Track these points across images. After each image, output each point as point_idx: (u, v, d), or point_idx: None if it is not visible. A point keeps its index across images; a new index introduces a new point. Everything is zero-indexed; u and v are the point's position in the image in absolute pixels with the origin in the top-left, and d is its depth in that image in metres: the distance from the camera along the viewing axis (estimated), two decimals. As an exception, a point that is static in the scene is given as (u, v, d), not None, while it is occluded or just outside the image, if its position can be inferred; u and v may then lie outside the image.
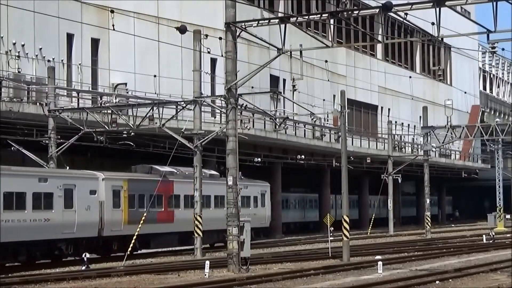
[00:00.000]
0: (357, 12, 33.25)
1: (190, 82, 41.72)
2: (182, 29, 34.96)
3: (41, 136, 40.89)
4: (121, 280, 29.02)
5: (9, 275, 30.76)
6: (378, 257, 36.44)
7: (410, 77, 77.47)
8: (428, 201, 63.22)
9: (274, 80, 62.15)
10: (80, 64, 49.18)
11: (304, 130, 64.69)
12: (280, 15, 58.60)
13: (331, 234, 40.25)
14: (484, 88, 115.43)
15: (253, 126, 53.79)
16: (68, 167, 39.76)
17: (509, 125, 55.76)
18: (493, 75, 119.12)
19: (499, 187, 78.45)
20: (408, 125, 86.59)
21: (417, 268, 32.16)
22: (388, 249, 44.61)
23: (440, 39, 44.02)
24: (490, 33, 28.58)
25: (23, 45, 45.12)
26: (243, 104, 39.93)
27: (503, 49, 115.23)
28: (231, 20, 31.02)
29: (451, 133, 58.14)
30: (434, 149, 69.36)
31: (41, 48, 46.22)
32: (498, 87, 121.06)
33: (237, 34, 31.18)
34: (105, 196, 39.24)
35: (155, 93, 46.98)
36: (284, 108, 61.51)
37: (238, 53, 31.80)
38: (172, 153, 39.64)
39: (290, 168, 66.45)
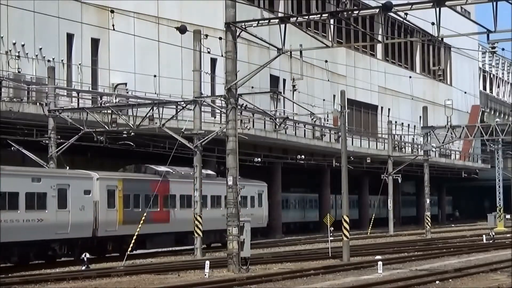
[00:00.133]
0: (357, 12, 33.25)
1: (190, 82, 41.72)
2: (182, 29, 34.97)
3: (41, 136, 40.88)
4: (121, 280, 29.02)
5: (9, 275, 30.75)
6: (378, 257, 36.44)
7: (410, 77, 77.48)
8: (428, 201, 63.23)
9: (274, 80, 62.15)
10: (80, 64, 49.17)
11: (304, 130, 64.68)
12: (280, 15, 58.60)
13: (331, 234, 40.25)
14: (484, 88, 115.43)
15: (253, 126, 53.78)
16: (68, 167, 39.67)
17: (509, 125, 55.76)
18: (493, 75, 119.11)
19: (499, 187, 78.45)
20: (408, 125, 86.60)
21: (417, 268, 32.16)
22: (388, 249, 44.61)
23: (440, 39, 44.02)
24: (490, 33, 28.58)
25: (23, 45, 45.12)
26: (243, 104, 39.92)
27: (503, 49, 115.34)
28: (231, 20, 31.02)
29: (451, 133, 58.15)
30: (434, 149, 69.37)
31: (41, 48, 46.21)
32: (498, 87, 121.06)
33: (237, 34, 31.18)
34: (99, 196, 38.86)
35: (155, 93, 46.97)
36: (284, 108, 61.50)
37: (238, 53, 31.80)
38: (172, 153, 39.65)
39: (290, 168, 66.45)
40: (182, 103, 41.46)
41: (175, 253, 44.02)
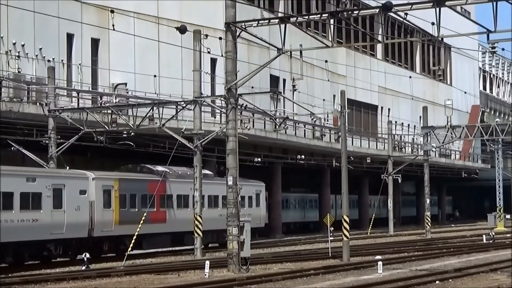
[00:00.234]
0: (357, 12, 33.25)
1: (190, 82, 41.72)
2: (182, 29, 34.96)
3: (41, 136, 40.87)
4: (121, 280, 29.02)
5: (9, 275, 30.75)
6: (378, 257, 36.44)
7: (410, 77, 77.48)
8: (428, 201, 63.23)
9: (274, 80, 62.15)
10: (80, 64, 49.17)
11: (304, 130, 64.68)
12: (280, 15, 58.59)
13: (331, 234, 40.24)
14: (484, 88, 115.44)
15: (253, 126, 53.78)
16: (68, 167, 39.66)
17: (509, 125, 55.76)
18: (493, 75, 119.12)
19: (499, 187, 78.45)
20: (408, 125, 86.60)
21: (417, 268, 32.16)
22: (388, 249, 44.61)
23: (440, 39, 44.02)
24: (490, 33, 28.58)
25: (23, 45, 45.12)
26: (243, 104, 39.92)
27: (503, 49, 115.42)
28: (231, 20, 31.02)
29: (451, 133, 58.15)
30: (434, 149, 69.38)
31: (41, 48, 46.21)
32: (498, 87, 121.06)
33: (237, 34, 31.18)
34: (95, 196, 38.58)
35: (155, 93, 46.96)
36: (284, 108, 61.52)
37: (238, 53, 31.79)
38: (172, 153, 39.64)
39: (290, 168, 66.46)
40: (182, 103, 41.45)
41: (175, 253, 44.01)
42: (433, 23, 28.33)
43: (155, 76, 49.09)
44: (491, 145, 78.66)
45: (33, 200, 34.85)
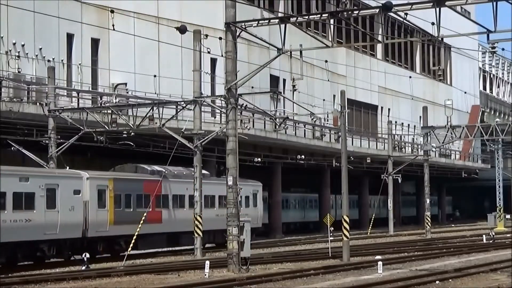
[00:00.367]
0: (357, 12, 33.25)
1: (190, 82, 41.71)
2: (182, 29, 34.95)
3: (41, 136, 40.87)
4: (121, 280, 29.02)
5: (9, 275, 30.75)
6: (378, 257, 36.45)
7: (410, 77, 77.51)
8: (428, 201, 63.23)
9: (274, 80, 62.16)
10: (80, 64, 49.17)
11: (304, 130, 64.68)
12: (280, 15, 58.60)
13: (331, 234, 40.24)
14: (484, 88, 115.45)
15: (253, 126, 53.78)
16: (68, 167, 39.62)
17: (509, 125, 55.76)
18: (493, 75, 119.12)
19: (499, 187, 78.46)
20: (408, 125, 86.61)
21: (417, 268, 32.16)
22: (388, 249, 44.61)
23: (440, 39, 44.02)
24: (490, 33, 28.58)
25: (23, 45, 45.12)
26: (243, 104, 39.92)
27: (503, 49, 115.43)
28: (231, 20, 31.02)
29: (451, 133, 58.15)
30: (434, 149, 69.41)
31: (41, 48, 46.22)
32: (498, 87, 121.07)
33: (237, 34, 31.18)
34: (89, 196, 38.16)
35: (155, 93, 46.96)
36: (284, 108, 61.54)
37: (238, 53, 31.78)
38: (172, 153, 39.63)
39: (290, 168, 66.47)
40: (182, 103, 41.45)
41: (175, 253, 43.99)
42: (433, 23, 28.34)
43: (155, 76, 49.10)
44: (491, 145, 78.70)
45: (26, 200, 34.40)
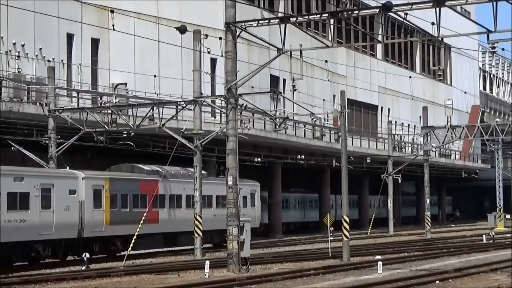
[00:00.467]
0: (357, 12, 33.26)
1: (190, 82, 41.72)
2: (182, 29, 34.96)
3: (41, 136, 40.87)
4: (121, 280, 29.02)
5: (9, 275, 30.75)
6: (378, 257, 36.45)
7: (410, 77, 77.51)
8: (428, 201, 63.24)
9: (274, 80, 62.16)
10: (80, 64, 49.18)
11: (304, 130, 64.68)
12: (280, 15, 58.60)
13: (331, 234, 40.24)
14: (484, 88, 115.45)
15: (253, 126, 53.78)
16: (68, 167, 39.58)
17: (509, 125, 55.77)
18: (493, 75, 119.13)
19: (499, 187, 78.47)
20: (408, 125, 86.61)
21: (417, 268, 32.16)
22: (388, 249, 44.61)
23: (440, 39, 44.02)
24: (490, 33, 28.58)
25: (23, 45, 45.13)
26: (243, 104, 39.92)
27: (503, 49, 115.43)
28: (231, 20, 31.02)
29: (451, 133, 58.15)
30: (434, 149, 69.42)
31: (41, 48, 46.22)
32: (498, 87, 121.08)
33: (237, 34, 31.18)
34: (85, 196, 37.84)
35: (155, 93, 46.97)
36: (284, 108, 61.54)
37: (238, 53, 31.78)
38: (172, 153, 39.62)
39: (290, 168, 66.47)
40: (182, 103, 41.45)
41: (175, 253, 43.99)
42: (433, 23, 28.34)
43: (155, 76, 49.10)
44: (491, 145, 78.70)
45: (21, 200, 34.11)
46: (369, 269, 31.79)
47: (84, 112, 41.22)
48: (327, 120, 63.31)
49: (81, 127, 40.48)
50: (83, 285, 27.73)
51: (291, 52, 35.62)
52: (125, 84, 51.00)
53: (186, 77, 47.25)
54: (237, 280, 27.23)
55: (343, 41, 69.52)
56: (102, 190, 39.19)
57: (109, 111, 41.36)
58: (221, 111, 47.03)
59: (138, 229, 38.05)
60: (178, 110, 41.73)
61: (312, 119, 60.63)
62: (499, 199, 77.71)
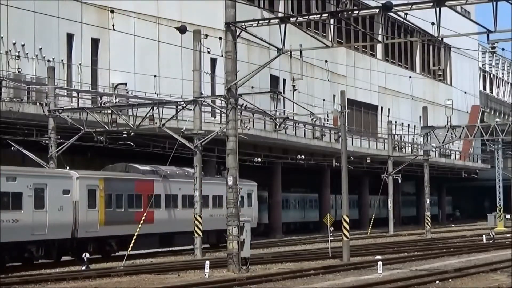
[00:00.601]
0: (357, 12, 33.26)
1: (190, 82, 41.72)
2: (182, 29, 34.96)
3: (41, 136, 40.86)
4: (121, 280, 29.03)
5: (9, 275, 30.76)
6: (378, 257, 36.45)
7: (410, 77, 77.51)
8: (428, 201, 63.24)
9: (274, 80, 62.16)
10: (80, 64, 49.18)
11: (304, 130, 64.69)
12: (280, 15, 58.60)
13: (331, 234, 40.25)
14: (484, 88, 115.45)
15: (253, 126, 53.78)
16: (68, 167, 39.53)
17: (509, 125, 55.77)
18: (493, 75, 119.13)
19: (499, 187, 78.47)
20: (408, 125, 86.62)
21: (417, 268, 32.16)
22: (388, 249, 44.62)
23: (440, 39, 44.02)
24: (490, 33, 28.58)
25: (23, 45, 45.13)
26: (243, 104, 39.92)
27: (503, 49, 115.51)
28: (231, 20, 31.02)
29: (451, 133, 58.15)
30: (434, 149, 69.42)
31: (41, 48, 46.22)
32: (498, 87, 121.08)
33: (237, 34, 31.19)
34: (79, 196, 37.45)
35: (155, 93, 46.96)
36: (284, 108, 61.54)
37: (238, 53, 31.78)
38: (172, 153, 39.62)
39: (290, 168, 66.47)
40: (182, 103, 41.45)
41: (175, 253, 44.00)
42: (433, 23, 28.34)
43: (155, 76, 49.10)
44: (491, 145, 78.71)
45: (14, 200, 33.74)
46: (369, 269, 31.79)
47: (84, 112, 41.21)
48: (327, 120, 63.31)
49: (81, 127, 40.48)
50: (83, 285, 27.73)
51: (291, 52, 35.62)
52: (125, 84, 51.00)
53: (186, 77, 47.25)
54: (237, 280, 27.23)
55: (343, 41, 69.52)
56: (97, 190, 38.78)
57: (109, 111, 41.36)
58: (221, 111, 47.03)
59: (138, 229, 38.00)
60: (178, 110, 41.73)
61: (312, 119, 60.64)
62: (499, 199, 77.71)
